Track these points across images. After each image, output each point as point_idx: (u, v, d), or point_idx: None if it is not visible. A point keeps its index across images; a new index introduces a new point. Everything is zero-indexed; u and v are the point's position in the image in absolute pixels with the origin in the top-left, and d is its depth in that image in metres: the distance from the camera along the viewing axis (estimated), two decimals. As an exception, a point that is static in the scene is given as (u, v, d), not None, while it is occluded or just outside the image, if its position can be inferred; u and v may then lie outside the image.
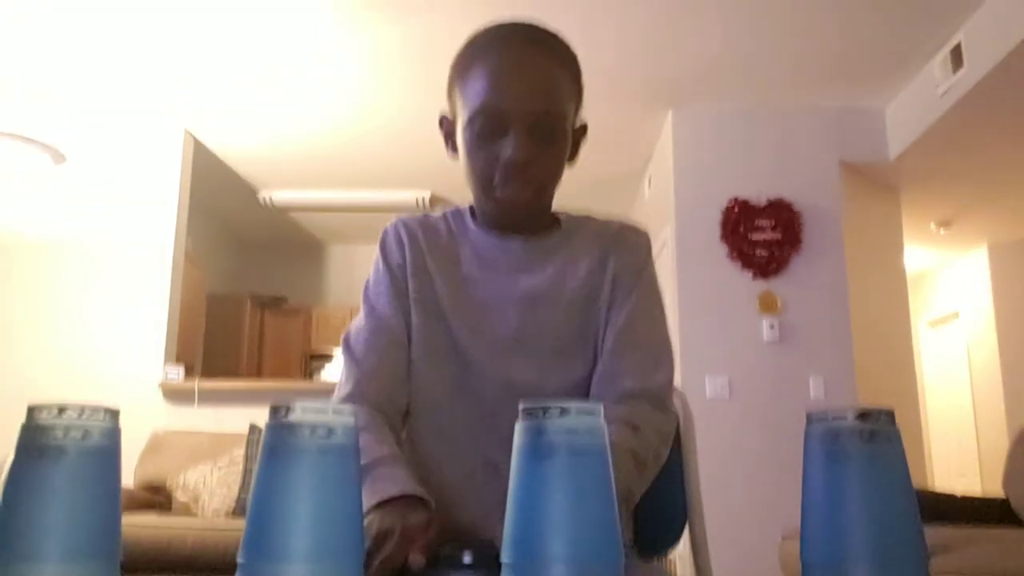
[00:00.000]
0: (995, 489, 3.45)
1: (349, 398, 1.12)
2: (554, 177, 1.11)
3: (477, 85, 1.05)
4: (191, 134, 4.87)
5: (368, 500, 0.90)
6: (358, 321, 1.18)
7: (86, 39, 3.79)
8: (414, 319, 1.14)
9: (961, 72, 3.71)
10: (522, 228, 1.16)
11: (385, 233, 1.20)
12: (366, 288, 1.19)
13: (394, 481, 0.94)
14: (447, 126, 1.17)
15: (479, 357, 1.10)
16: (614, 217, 1.24)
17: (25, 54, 3.90)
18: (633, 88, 4.27)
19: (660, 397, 1.12)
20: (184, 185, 4.80)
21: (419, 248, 1.17)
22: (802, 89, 4.31)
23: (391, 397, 1.12)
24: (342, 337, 1.20)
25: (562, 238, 1.18)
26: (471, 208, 1.22)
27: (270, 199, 6.04)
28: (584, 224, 1.21)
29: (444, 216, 1.23)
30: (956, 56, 3.74)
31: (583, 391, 1.11)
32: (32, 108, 4.39)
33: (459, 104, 1.10)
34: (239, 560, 0.62)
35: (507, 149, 1.05)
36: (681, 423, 1.31)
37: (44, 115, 4.46)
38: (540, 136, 1.06)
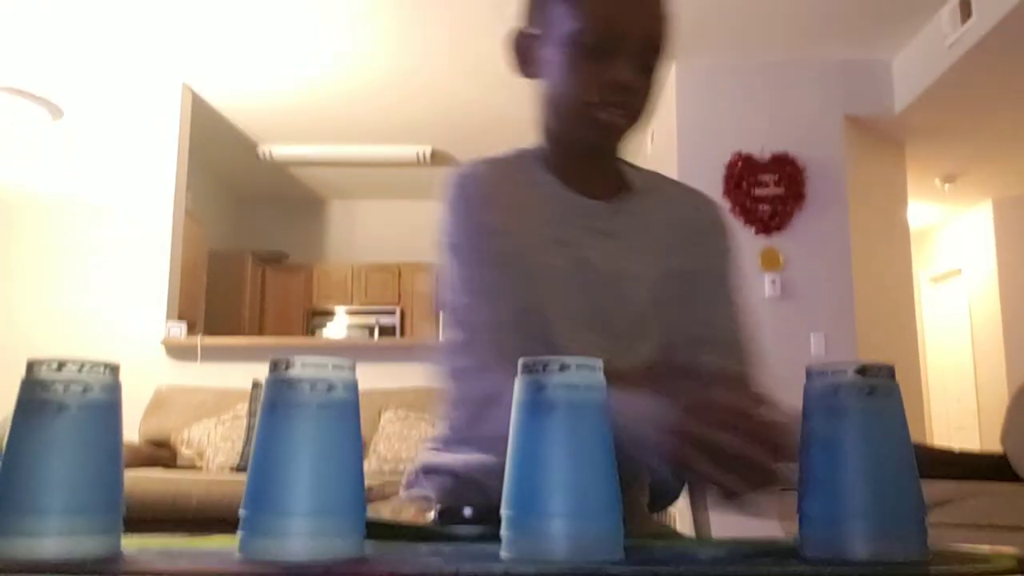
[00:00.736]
0: (993, 446, 3.48)
1: (477, 370, 0.99)
2: (647, 112, 1.05)
3: None
4: (189, 87, 4.81)
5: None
6: (454, 288, 1.04)
7: (79, -10, 3.72)
8: (496, 280, 1.04)
9: (970, 23, 3.64)
10: (597, 177, 1.09)
11: (453, 184, 1.07)
12: (444, 251, 1.05)
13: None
14: (525, 42, 1.08)
15: (553, 329, 1.02)
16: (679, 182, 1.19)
17: (21, 8, 3.84)
18: (636, 40, 4.20)
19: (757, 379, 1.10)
20: (183, 140, 4.76)
21: (497, 202, 1.06)
22: (807, 42, 4.24)
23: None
24: (435, 308, 1.06)
25: (637, 200, 1.10)
26: (537, 153, 1.11)
27: (270, 153, 5.99)
28: (657, 184, 1.15)
29: (512, 160, 1.12)
30: (965, 6, 3.68)
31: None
32: (29, 63, 4.34)
33: (558, 15, 1.01)
34: (241, 513, 0.62)
35: (616, 68, 0.98)
36: None
37: (41, 70, 4.40)
38: (645, 62, 1.00)
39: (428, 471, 1.10)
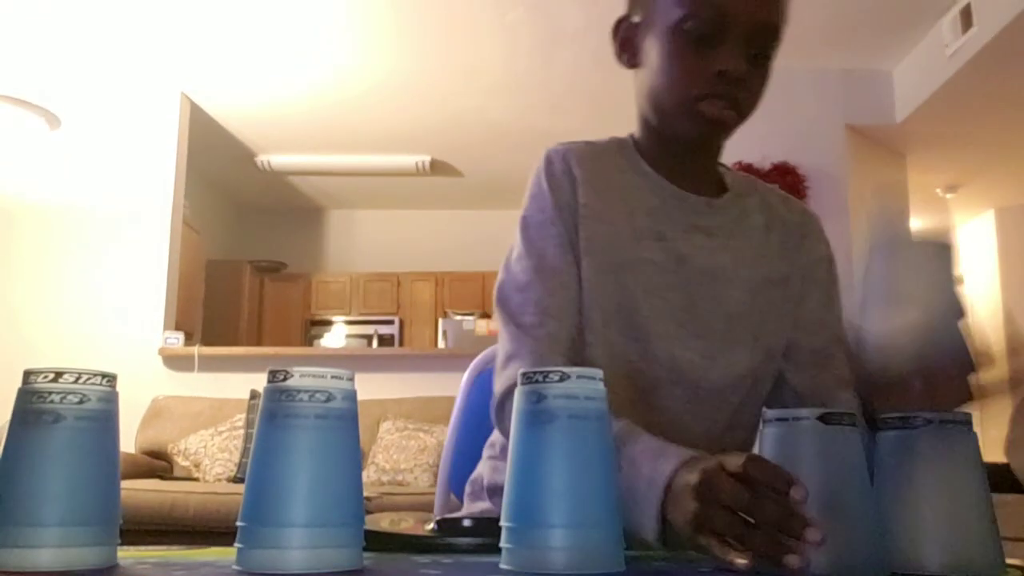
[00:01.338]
0: (997, 457, 3.47)
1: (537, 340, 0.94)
2: (755, 105, 0.98)
3: None
4: (187, 97, 4.82)
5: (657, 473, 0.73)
6: (517, 272, 0.98)
7: (81, 2, 3.72)
8: (584, 272, 0.98)
9: (971, 32, 3.65)
10: (696, 173, 1.04)
11: (549, 161, 1.01)
12: (527, 230, 1.00)
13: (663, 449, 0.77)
14: (627, 30, 1.03)
15: (652, 324, 0.97)
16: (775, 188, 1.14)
17: (19, 17, 3.84)
18: (636, 50, 4.21)
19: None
20: (181, 149, 4.76)
21: (594, 185, 1.00)
22: (808, 51, 4.25)
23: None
24: (496, 295, 0.99)
25: (736, 200, 1.06)
26: (635, 143, 1.06)
27: (268, 163, 6.00)
28: (754, 187, 1.10)
29: (610, 147, 1.06)
30: (966, 16, 3.68)
31: (745, 382, 1.00)
32: (27, 71, 4.34)
33: (661, 3, 0.96)
34: (239, 525, 0.61)
35: (722, 58, 0.92)
36: None
37: (39, 79, 4.40)
38: (756, 51, 0.94)
39: (494, 492, 1.06)
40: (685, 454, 0.73)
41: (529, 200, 1.01)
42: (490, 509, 1.06)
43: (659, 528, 0.71)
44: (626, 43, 1.03)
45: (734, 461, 0.63)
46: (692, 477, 0.68)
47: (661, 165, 1.03)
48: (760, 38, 0.94)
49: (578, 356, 0.96)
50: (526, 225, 1.00)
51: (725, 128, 0.98)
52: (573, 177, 1.00)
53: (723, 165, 1.10)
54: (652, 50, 0.98)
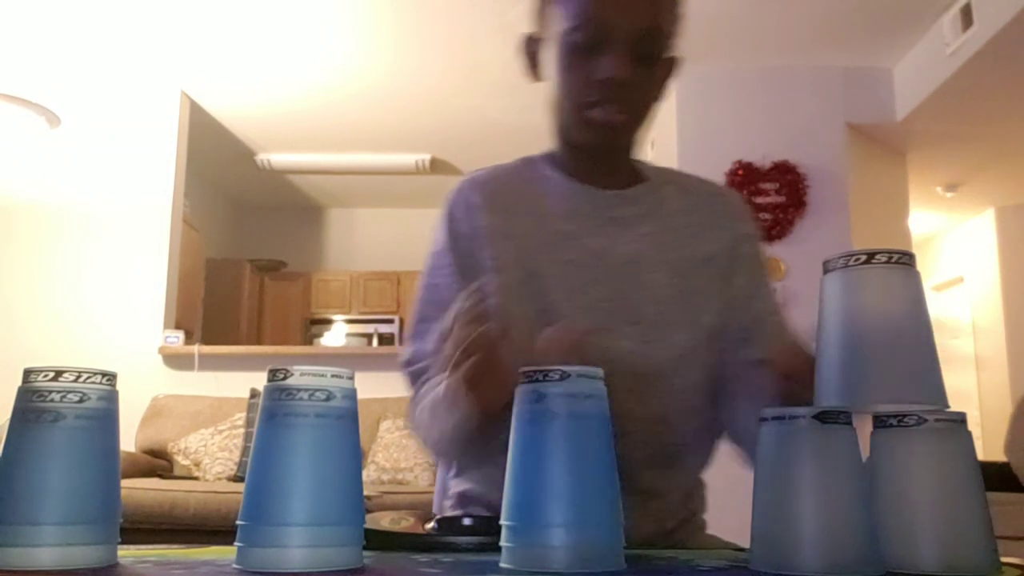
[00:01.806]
0: (997, 456, 3.47)
1: (415, 374, 1.00)
2: (648, 105, 1.02)
3: None
4: (187, 95, 4.81)
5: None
6: (417, 304, 1.05)
7: (81, 1, 3.73)
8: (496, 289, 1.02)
9: (971, 31, 3.65)
10: (609, 171, 1.07)
11: (452, 199, 1.06)
12: (425, 263, 1.07)
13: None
14: (531, 46, 1.07)
15: (578, 323, 0.99)
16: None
17: (19, 15, 3.84)
18: (636, 49, 4.21)
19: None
20: (181, 147, 4.76)
21: (498, 206, 1.04)
22: (808, 49, 4.25)
23: None
24: (407, 349, 1.03)
25: (651, 189, 1.08)
26: (545, 155, 1.11)
27: (268, 162, 5.99)
28: (673, 177, 1.13)
29: (516, 166, 1.11)
30: (966, 14, 3.68)
31: (687, 364, 1.01)
32: (26, 70, 4.34)
33: (553, 16, 1.00)
34: (239, 522, 0.61)
35: (606, 65, 0.95)
36: None
37: (38, 77, 4.40)
38: (641, 55, 0.97)
39: (465, 501, 1.07)
40: None
41: (435, 234, 1.07)
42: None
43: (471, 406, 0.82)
44: (532, 58, 1.07)
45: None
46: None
47: (573, 169, 1.06)
48: (644, 42, 0.97)
49: None
50: (428, 259, 1.06)
51: (619, 131, 1.01)
52: (472, 205, 1.04)
53: (643, 163, 1.12)
54: (549, 63, 1.02)
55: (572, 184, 1.06)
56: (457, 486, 1.08)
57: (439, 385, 0.88)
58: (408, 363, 1.02)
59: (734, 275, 1.07)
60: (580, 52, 0.97)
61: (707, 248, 1.06)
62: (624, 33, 0.95)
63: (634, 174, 1.10)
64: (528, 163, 1.11)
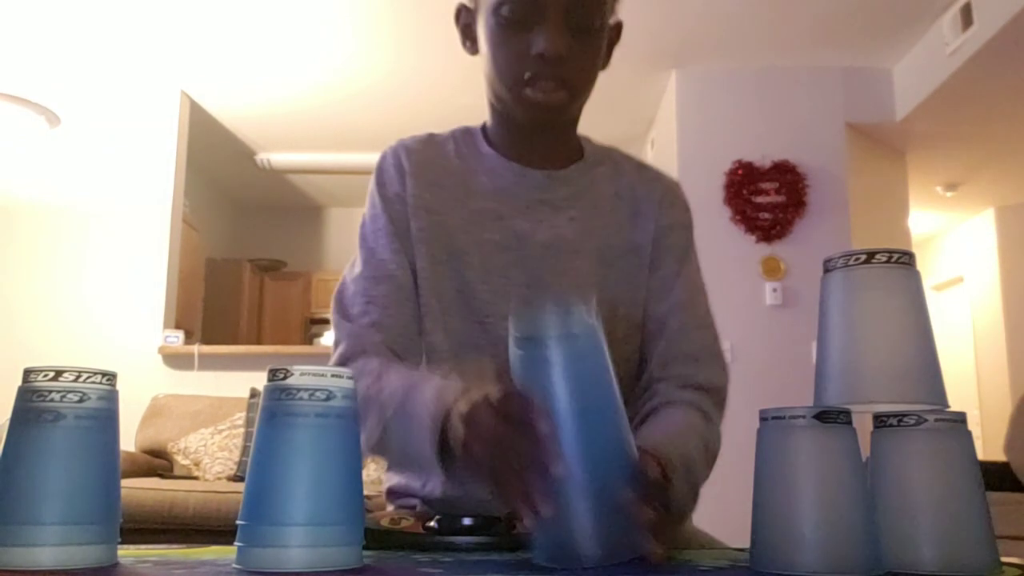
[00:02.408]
0: (997, 455, 3.47)
1: (344, 357, 0.94)
2: (589, 79, 0.97)
3: None
4: (187, 95, 4.81)
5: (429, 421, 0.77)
6: (351, 272, 1.00)
7: (81, 0, 3.73)
8: (422, 263, 0.98)
9: (971, 31, 3.65)
10: (546, 150, 1.02)
11: (383, 159, 1.03)
12: (362, 228, 1.01)
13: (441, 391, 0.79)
14: (465, 16, 1.02)
15: (492, 306, 0.96)
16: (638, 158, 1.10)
17: (19, 15, 3.83)
18: (636, 48, 4.20)
19: (723, 392, 1.01)
20: (181, 147, 4.75)
21: (425, 177, 1.00)
22: (808, 49, 4.25)
23: (400, 353, 0.95)
24: (333, 297, 1.00)
25: (585, 169, 1.04)
26: (483, 129, 1.06)
27: (268, 161, 5.99)
28: (610, 156, 1.08)
29: (452, 136, 1.06)
30: (966, 14, 3.68)
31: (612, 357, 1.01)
32: (26, 69, 4.34)
33: None
34: (239, 522, 0.61)
35: (540, 40, 0.90)
36: None
37: (38, 77, 4.40)
38: (577, 26, 0.91)
39: (392, 495, 1.05)
40: (469, 385, 0.75)
41: (367, 199, 1.03)
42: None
43: (435, 453, 0.74)
44: (467, 29, 1.02)
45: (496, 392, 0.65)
46: (462, 406, 0.70)
47: (508, 145, 1.02)
48: (578, 13, 0.91)
49: (411, 343, 0.96)
50: (363, 222, 1.02)
51: (555, 110, 0.96)
52: (403, 169, 1.00)
53: (587, 139, 1.08)
54: (482, 37, 0.97)
55: (504, 162, 1.01)
56: (388, 480, 1.06)
57: (400, 385, 0.84)
58: (340, 313, 0.98)
59: (658, 264, 1.03)
60: (511, 26, 0.92)
61: (634, 236, 1.02)
62: (555, 5, 0.90)
63: (573, 152, 1.05)
64: (465, 134, 1.06)
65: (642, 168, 1.09)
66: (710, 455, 0.93)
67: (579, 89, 0.96)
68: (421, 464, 0.78)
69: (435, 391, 0.78)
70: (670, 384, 0.98)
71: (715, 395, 0.99)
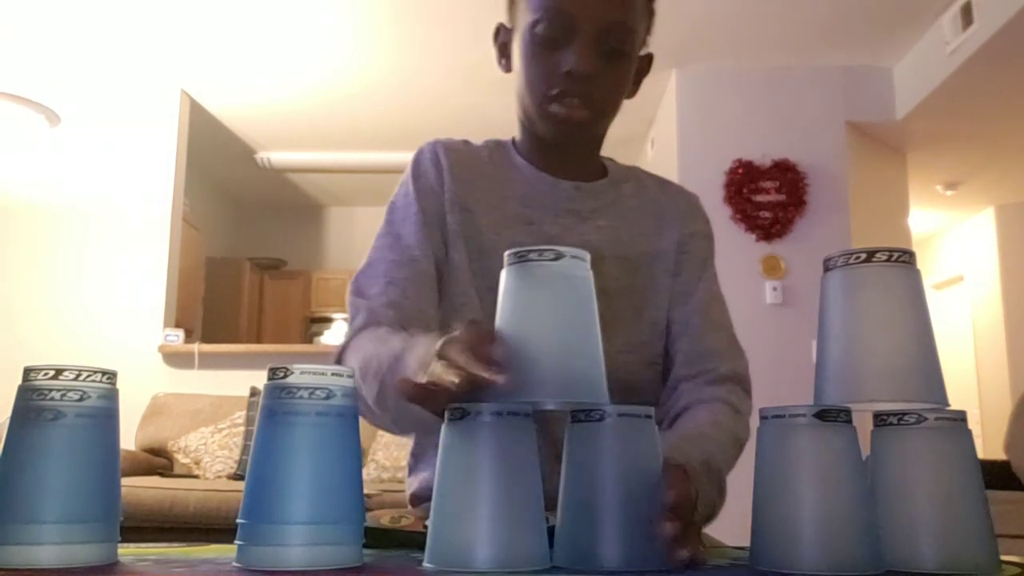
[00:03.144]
0: (997, 454, 3.47)
1: (357, 328, 0.96)
2: (615, 101, 1.02)
3: None
4: (187, 94, 4.81)
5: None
6: (373, 255, 1.02)
7: (80, 0, 3.72)
8: (456, 255, 1.01)
9: (971, 29, 3.64)
10: (572, 165, 1.07)
11: (420, 153, 1.06)
12: (390, 214, 1.04)
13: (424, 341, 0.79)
14: (503, 35, 1.07)
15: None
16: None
17: (19, 14, 3.83)
18: (636, 47, 4.20)
19: (748, 381, 1.07)
20: (181, 146, 4.75)
21: (461, 175, 1.04)
22: (808, 48, 4.25)
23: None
24: (351, 280, 1.02)
25: (611, 184, 1.09)
26: (513, 141, 1.11)
27: (268, 160, 5.99)
28: (634, 174, 1.13)
29: (486, 145, 1.10)
30: (966, 13, 3.68)
31: (631, 359, 1.02)
32: (26, 68, 4.33)
33: (522, 7, 1.00)
34: (239, 521, 0.61)
35: (570, 58, 0.95)
36: None
37: (39, 76, 4.40)
38: (607, 49, 0.96)
39: (417, 499, 1.06)
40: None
41: (398, 187, 1.05)
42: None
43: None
44: (503, 48, 1.07)
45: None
46: (439, 345, 0.70)
47: (537, 159, 1.06)
48: (610, 36, 0.96)
49: (426, 328, 0.94)
50: (391, 208, 1.04)
51: (578, 126, 1.00)
52: (440, 165, 1.03)
53: (608, 159, 1.13)
54: (516, 54, 1.01)
55: (536, 172, 1.06)
56: (411, 486, 1.08)
57: (388, 342, 0.87)
58: (358, 293, 1.00)
59: (680, 272, 1.08)
60: (544, 44, 0.97)
61: (659, 244, 1.07)
62: (589, 26, 0.95)
63: (598, 169, 1.10)
64: (498, 145, 1.10)
65: (664, 183, 1.16)
66: (738, 446, 0.97)
67: (603, 109, 1.01)
68: (414, 417, 0.77)
69: (427, 342, 0.78)
70: (697, 382, 1.02)
71: (741, 384, 1.05)
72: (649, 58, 1.07)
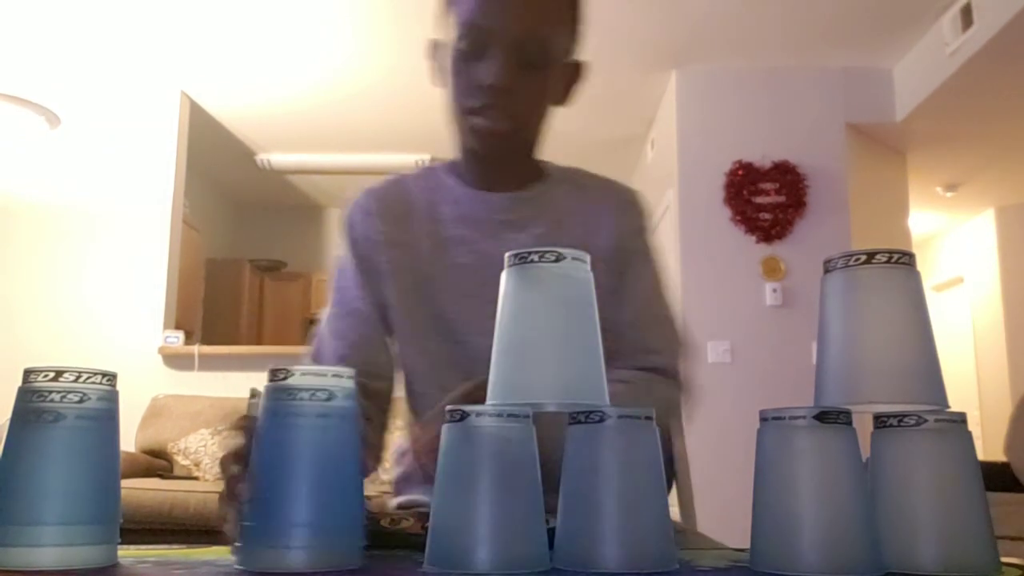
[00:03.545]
0: (997, 456, 3.47)
1: None
2: (537, 111, 1.03)
3: (465, 2, 0.98)
4: (187, 95, 4.81)
5: None
6: (327, 312, 1.10)
7: (81, 1, 3.73)
8: (392, 294, 1.06)
9: (971, 31, 3.65)
10: (504, 176, 1.08)
11: (351, 206, 1.11)
12: (335, 270, 1.11)
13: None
14: (435, 51, 1.09)
15: (467, 326, 1.02)
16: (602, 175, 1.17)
17: (19, 15, 3.83)
18: (636, 49, 4.20)
19: (678, 373, 1.08)
20: (181, 148, 4.75)
21: (391, 214, 1.08)
22: (808, 49, 4.25)
23: (368, 378, 1.03)
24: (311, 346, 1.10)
25: (546, 189, 1.10)
26: (449, 163, 1.13)
27: (268, 162, 5.99)
28: (572, 176, 1.14)
29: (420, 173, 1.14)
30: (966, 14, 3.68)
31: None
32: (26, 70, 4.34)
33: (450, 24, 1.02)
34: (243, 523, 0.61)
35: (488, 72, 0.96)
36: None
37: (38, 77, 4.40)
38: (525, 61, 0.97)
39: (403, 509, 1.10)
40: None
41: (341, 247, 1.12)
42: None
43: None
44: (434, 64, 1.09)
45: None
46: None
47: (470, 172, 1.08)
48: (527, 47, 0.97)
49: (380, 368, 1.06)
50: (335, 266, 1.12)
51: (502, 138, 1.01)
52: (370, 212, 1.09)
53: (547, 163, 1.13)
54: (442, 69, 1.04)
55: (466, 190, 1.08)
56: (395, 499, 1.12)
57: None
58: (314, 354, 1.08)
59: (620, 271, 1.08)
60: (465, 59, 0.98)
61: (598, 244, 1.06)
62: (506, 39, 0.96)
63: (535, 175, 1.11)
64: (429, 172, 1.14)
65: (600, 181, 1.15)
66: (657, 400, 0.98)
67: (524, 120, 1.02)
68: None
69: None
70: (627, 365, 1.03)
71: (670, 375, 1.06)
72: (579, 67, 1.08)
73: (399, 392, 1.11)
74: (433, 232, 1.06)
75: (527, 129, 1.04)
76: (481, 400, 0.68)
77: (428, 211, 1.08)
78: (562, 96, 1.07)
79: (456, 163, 1.11)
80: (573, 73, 1.08)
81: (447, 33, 1.03)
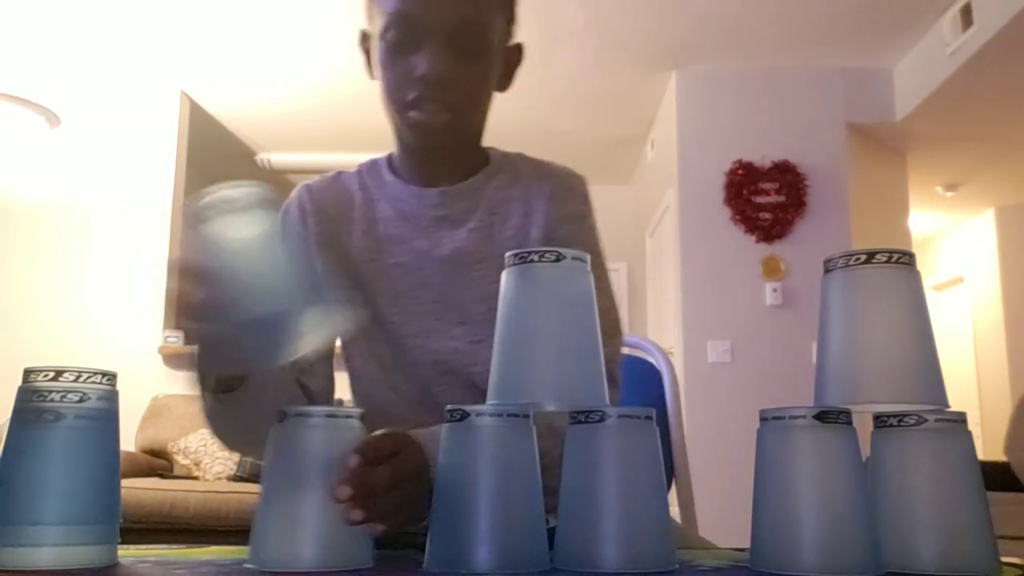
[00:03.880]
0: (997, 455, 3.47)
1: None
2: (477, 100, 0.98)
3: None
4: (187, 95, 4.81)
5: None
6: None
7: (81, 1, 3.73)
8: (328, 295, 1.03)
9: (971, 31, 3.65)
10: (444, 169, 1.02)
11: (286, 205, 1.05)
12: None
13: None
14: (364, 42, 1.04)
15: (407, 327, 0.99)
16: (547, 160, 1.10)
17: (19, 15, 3.83)
18: (636, 49, 4.20)
19: (609, 371, 1.01)
20: (181, 147, 4.75)
21: (328, 215, 1.03)
22: (808, 49, 4.25)
23: (305, 384, 0.99)
24: None
25: (484, 180, 1.04)
26: (390, 157, 1.08)
27: (268, 161, 5.99)
28: (512, 163, 1.07)
29: (359, 171, 1.08)
30: (966, 14, 3.68)
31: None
32: (26, 69, 4.33)
33: (375, 13, 0.98)
34: (255, 522, 0.62)
35: (421, 63, 0.92)
36: (666, 383, 1.36)
37: (38, 77, 4.40)
38: (461, 49, 0.93)
39: None
40: None
41: None
42: None
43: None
44: (368, 55, 1.05)
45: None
46: None
47: (409, 168, 1.04)
48: (462, 35, 0.93)
49: (317, 373, 1.00)
50: None
51: (441, 131, 0.96)
52: (307, 212, 1.04)
53: (492, 150, 1.08)
54: (375, 61, 1.00)
55: (403, 187, 1.03)
56: None
57: None
58: None
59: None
60: (396, 50, 0.94)
61: (536, 235, 1.02)
62: (438, 28, 0.92)
63: (477, 167, 1.05)
64: (369, 167, 1.08)
65: (539, 166, 1.08)
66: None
67: (464, 111, 0.97)
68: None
69: None
70: None
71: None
72: (518, 49, 1.03)
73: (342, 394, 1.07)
74: (367, 233, 1.02)
75: (467, 120, 0.99)
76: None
77: (366, 210, 1.03)
78: (505, 82, 1.03)
79: (395, 156, 1.06)
80: (514, 56, 1.03)
81: (375, 23, 0.99)
